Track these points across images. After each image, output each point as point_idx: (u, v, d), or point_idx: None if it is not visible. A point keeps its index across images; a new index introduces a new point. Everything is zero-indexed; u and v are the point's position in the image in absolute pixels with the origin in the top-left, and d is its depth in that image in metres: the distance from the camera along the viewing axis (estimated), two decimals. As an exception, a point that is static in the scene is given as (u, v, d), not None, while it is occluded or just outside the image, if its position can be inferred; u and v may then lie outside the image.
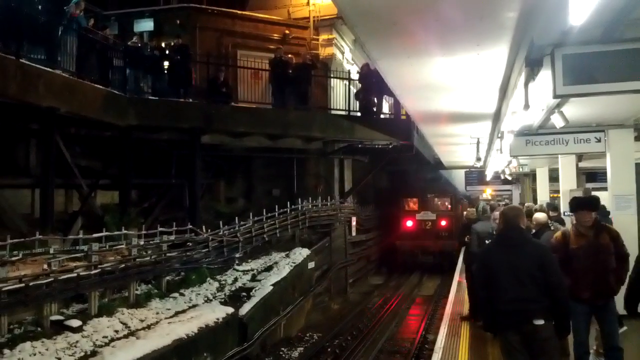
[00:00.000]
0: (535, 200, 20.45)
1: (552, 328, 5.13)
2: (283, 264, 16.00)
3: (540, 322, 5.04)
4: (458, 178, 38.61)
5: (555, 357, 5.22)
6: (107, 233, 12.27)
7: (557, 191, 17.88)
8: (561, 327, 5.18)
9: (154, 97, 15.73)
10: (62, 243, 11.94)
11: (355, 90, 20.39)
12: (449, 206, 27.94)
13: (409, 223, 27.61)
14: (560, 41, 4.89)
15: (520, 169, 20.63)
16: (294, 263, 16.36)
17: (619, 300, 6.21)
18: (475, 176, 35.51)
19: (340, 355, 13.92)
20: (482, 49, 6.50)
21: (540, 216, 7.85)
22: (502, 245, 5.39)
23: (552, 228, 7.66)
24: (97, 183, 15.25)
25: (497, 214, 8.45)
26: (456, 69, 7.54)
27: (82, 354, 9.21)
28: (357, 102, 19.93)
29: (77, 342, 9.49)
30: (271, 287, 14.30)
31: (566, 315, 5.19)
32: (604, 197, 11.45)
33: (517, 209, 5.70)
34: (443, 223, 27.04)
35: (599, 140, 10.50)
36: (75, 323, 9.99)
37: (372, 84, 19.27)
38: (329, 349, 14.39)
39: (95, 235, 11.87)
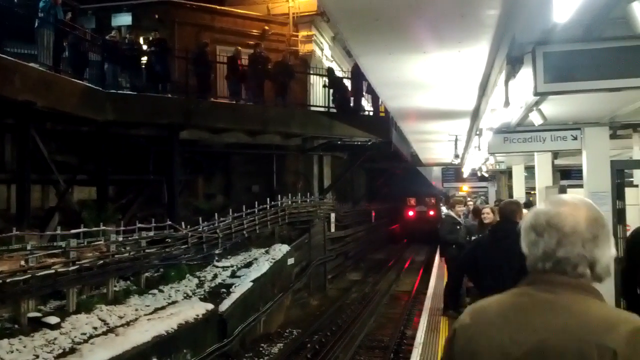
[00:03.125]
0: (511, 197, 20.66)
1: None
2: (263, 260, 15.99)
3: None
4: (435, 176, 42.42)
5: None
6: (85, 229, 12.12)
7: (533, 188, 18.13)
8: None
9: (132, 92, 15.58)
10: (39, 239, 11.77)
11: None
12: (434, 202, 41.11)
13: (411, 213, 41.23)
14: (541, 39, 4.96)
15: (497, 166, 20.85)
16: (274, 259, 16.35)
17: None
18: (452, 173, 36.08)
19: (319, 351, 13.96)
20: (463, 47, 6.57)
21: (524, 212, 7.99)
22: (493, 238, 5.59)
23: None
24: (74, 179, 15.06)
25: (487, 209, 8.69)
26: (437, 67, 7.61)
27: (61, 351, 9.10)
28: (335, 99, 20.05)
29: (55, 339, 9.38)
30: (251, 284, 14.29)
31: None
32: (580, 194, 11.68)
33: (514, 203, 5.82)
34: (431, 212, 39.64)
35: (575, 138, 10.66)
36: (53, 320, 9.86)
37: (344, 87, 19.61)
38: (309, 345, 14.43)
39: (73, 231, 11.72)
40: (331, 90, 20.05)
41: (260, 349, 14.17)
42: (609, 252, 1.73)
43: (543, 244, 1.71)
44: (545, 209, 1.77)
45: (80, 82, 13.70)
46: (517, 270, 5.02)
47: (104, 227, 12.67)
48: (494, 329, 1.69)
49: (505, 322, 1.68)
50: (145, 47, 17.00)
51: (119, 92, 15.18)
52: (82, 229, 12.00)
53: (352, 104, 20.08)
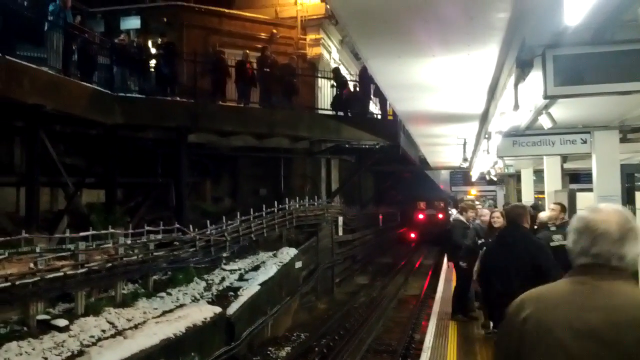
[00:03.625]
0: (519, 201, 20.57)
1: None
2: (270, 264, 15.99)
3: None
4: (444, 179, 45.27)
5: None
6: (93, 232, 12.15)
7: (542, 192, 18.04)
8: None
9: (140, 95, 15.63)
10: (48, 242, 11.83)
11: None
12: (443, 205, 43.35)
13: (421, 216, 43.08)
14: (551, 42, 4.93)
15: (506, 170, 20.77)
16: (281, 263, 16.36)
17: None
18: (461, 177, 36.10)
19: (327, 355, 13.92)
20: (472, 50, 6.54)
21: (542, 215, 7.82)
22: (499, 243, 5.54)
23: (551, 229, 7.56)
24: (83, 181, 15.12)
25: (484, 212, 8.54)
26: (446, 69, 7.58)
27: (69, 353, 9.13)
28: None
29: (63, 341, 9.41)
30: (258, 287, 14.29)
31: None
32: (589, 198, 11.61)
33: (520, 207, 5.76)
34: (440, 216, 41.69)
35: (584, 142, 10.60)
36: (62, 322, 9.91)
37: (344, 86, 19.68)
38: (316, 349, 14.40)
39: (81, 234, 11.77)
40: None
41: (268, 352, 14.16)
42: (635, 250, 2.17)
43: (581, 242, 2.20)
44: (585, 215, 2.26)
45: (89, 85, 13.77)
46: (526, 275, 4.99)
47: (112, 230, 12.69)
48: (559, 310, 2.12)
49: (570, 303, 2.12)
50: (153, 51, 17.06)
51: (127, 95, 15.24)
52: (90, 232, 12.04)
53: (360, 107, 20.08)
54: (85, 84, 13.58)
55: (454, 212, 16.74)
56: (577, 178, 22.43)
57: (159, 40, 17.16)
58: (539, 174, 19.49)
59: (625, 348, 1.99)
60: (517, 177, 23.20)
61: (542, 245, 5.43)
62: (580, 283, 2.17)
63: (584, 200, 12.83)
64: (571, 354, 2.03)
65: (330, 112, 19.86)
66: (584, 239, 2.19)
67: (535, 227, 7.94)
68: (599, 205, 2.32)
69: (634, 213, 9.81)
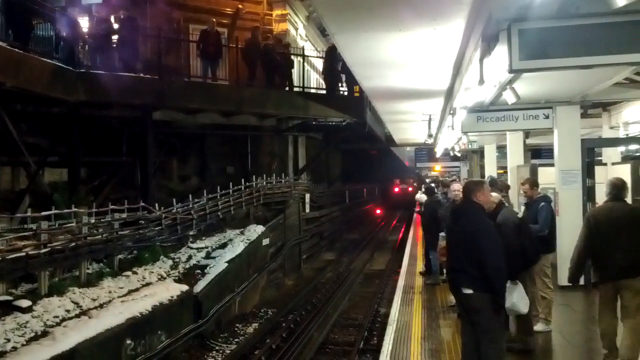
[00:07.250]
0: (482, 177, 20.88)
1: (486, 299, 5.21)
2: (238, 241, 15.95)
3: (469, 291, 5.23)
4: (408, 156, 50.36)
5: (491, 330, 5.30)
6: (56, 211, 11.89)
7: (504, 167, 18.36)
8: (493, 302, 5.25)
9: (103, 72, 15.22)
10: (9, 222, 11.57)
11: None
12: (413, 182, 53.66)
13: (396, 189, 56.22)
14: (517, 16, 4.97)
15: (470, 146, 21.02)
16: (249, 240, 16.33)
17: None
18: (425, 153, 36.38)
19: (294, 330, 14.02)
20: (439, 24, 6.56)
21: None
22: (453, 218, 5.75)
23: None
24: (45, 160, 14.77)
25: (456, 186, 8.69)
26: (412, 45, 7.60)
27: (33, 334, 8.96)
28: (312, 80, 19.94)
29: (27, 322, 9.23)
30: (226, 264, 14.26)
31: (497, 291, 5.22)
32: (551, 173, 11.87)
33: (474, 183, 5.79)
34: (410, 189, 51.59)
35: (547, 117, 10.80)
36: (25, 303, 9.70)
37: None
38: (284, 324, 14.48)
39: (44, 213, 11.47)
40: (307, 70, 19.97)
41: (236, 329, 14.20)
42: (627, 192, 6.28)
43: (609, 189, 6.07)
44: (611, 179, 6.21)
45: (50, 61, 13.36)
46: (469, 252, 5.14)
47: (75, 209, 12.45)
48: (605, 213, 6.06)
49: (608, 210, 6.07)
50: (116, 26, 16.61)
51: (90, 71, 14.83)
52: (53, 211, 11.77)
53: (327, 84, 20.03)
54: (46, 60, 13.18)
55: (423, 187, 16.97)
56: (538, 153, 22.88)
57: (121, 15, 16.69)
58: (502, 149, 19.82)
59: (626, 222, 5.84)
60: (480, 152, 23.51)
61: (483, 221, 5.41)
62: (610, 204, 5.95)
63: (546, 175, 13.09)
64: (615, 225, 5.79)
65: (297, 89, 19.76)
66: (610, 188, 5.95)
67: None
68: (616, 176, 6.22)
69: (593, 187, 10.16)
